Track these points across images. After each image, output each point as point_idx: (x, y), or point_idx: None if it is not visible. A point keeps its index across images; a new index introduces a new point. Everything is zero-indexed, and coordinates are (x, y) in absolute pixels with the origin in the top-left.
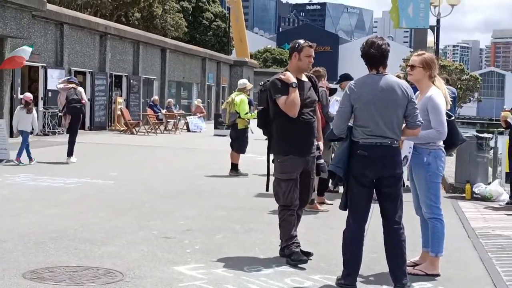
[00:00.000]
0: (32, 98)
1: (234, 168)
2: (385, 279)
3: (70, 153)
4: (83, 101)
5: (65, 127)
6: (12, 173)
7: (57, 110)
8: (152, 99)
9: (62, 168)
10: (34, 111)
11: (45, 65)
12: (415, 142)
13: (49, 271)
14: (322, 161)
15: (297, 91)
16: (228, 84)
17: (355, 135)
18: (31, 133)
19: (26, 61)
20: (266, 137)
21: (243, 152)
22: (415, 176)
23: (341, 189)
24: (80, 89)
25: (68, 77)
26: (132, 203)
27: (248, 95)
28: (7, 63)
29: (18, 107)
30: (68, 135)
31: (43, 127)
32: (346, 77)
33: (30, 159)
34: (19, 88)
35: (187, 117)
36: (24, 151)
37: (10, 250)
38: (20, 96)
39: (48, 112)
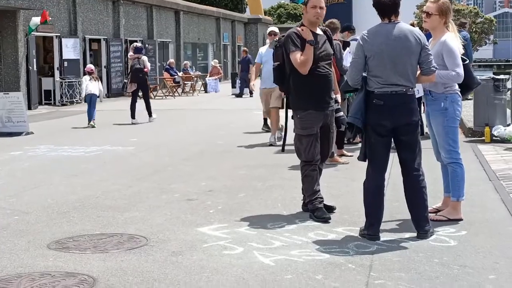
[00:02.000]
0: (93, 68)
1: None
2: (408, 227)
3: (150, 114)
4: (145, 70)
5: (128, 92)
6: (33, 145)
7: (74, 80)
8: (168, 62)
9: (82, 137)
10: (99, 80)
11: (59, 34)
12: (435, 84)
13: (73, 240)
14: (341, 113)
15: (312, 48)
16: (244, 43)
17: (370, 85)
18: (98, 97)
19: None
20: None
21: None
22: (433, 122)
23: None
24: (144, 58)
25: (135, 45)
26: (153, 167)
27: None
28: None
29: (86, 77)
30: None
31: (61, 97)
32: (347, 28)
33: (92, 120)
34: (35, 60)
35: (205, 78)
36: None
37: (34, 222)
38: (84, 68)
39: (65, 82)
